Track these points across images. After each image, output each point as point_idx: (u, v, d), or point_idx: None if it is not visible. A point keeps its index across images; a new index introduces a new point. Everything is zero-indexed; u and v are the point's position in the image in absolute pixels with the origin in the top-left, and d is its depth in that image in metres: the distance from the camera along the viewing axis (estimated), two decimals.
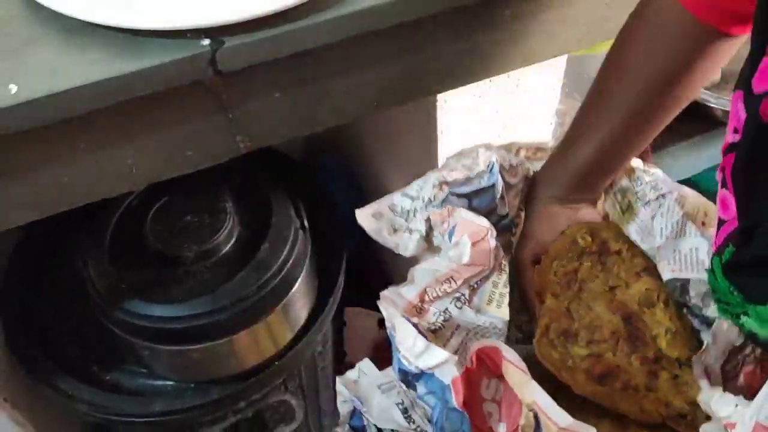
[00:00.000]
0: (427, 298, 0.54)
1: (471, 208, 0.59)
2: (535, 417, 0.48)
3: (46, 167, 0.55)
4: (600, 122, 0.58)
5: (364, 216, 0.61)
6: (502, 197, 0.61)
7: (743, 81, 0.42)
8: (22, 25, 0.54)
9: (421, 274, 0.55)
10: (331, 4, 0.55)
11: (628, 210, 0.63)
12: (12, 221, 0.57)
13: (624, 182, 0.63)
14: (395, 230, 0.61)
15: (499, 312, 0.55)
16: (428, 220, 0.59)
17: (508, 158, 0.62)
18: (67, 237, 0.87)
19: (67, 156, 0.55)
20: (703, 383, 0.50)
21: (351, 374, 0.55)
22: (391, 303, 0.53)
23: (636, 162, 0.64)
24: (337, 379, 0.55)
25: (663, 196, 0.61)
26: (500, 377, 0.50)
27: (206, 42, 0.52)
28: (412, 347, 0.50)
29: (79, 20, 0.53)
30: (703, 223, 0.59)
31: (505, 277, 0.56)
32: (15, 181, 0.54)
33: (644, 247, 0.61)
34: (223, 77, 0.54)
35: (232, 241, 0.81)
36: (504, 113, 0.78)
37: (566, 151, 0.61)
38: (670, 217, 0.60)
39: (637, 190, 0.63)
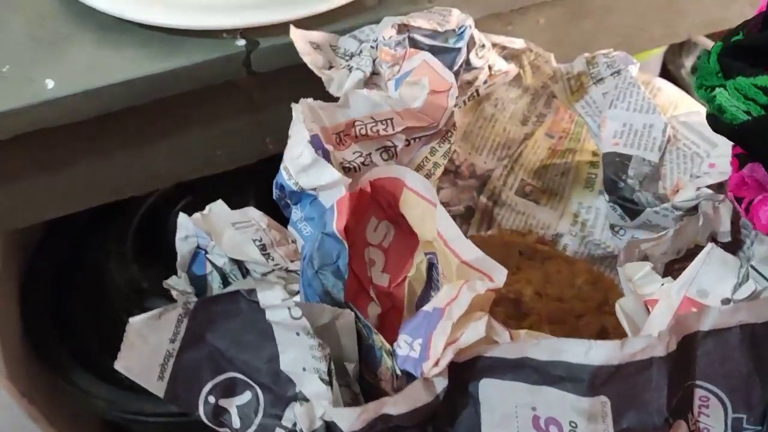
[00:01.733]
0: (353, 132, 0.44)
1: None
2: (429, 269, 0.41)
3: (78, 163, 0.55)
4: None
5: (300, 36, 0.49)
6: (457, 72, 0.50)
7: None
8: (59, 20, 0.54)
9: (358, 102, 0.44)
10: (364, 9, 0.55)
11: (578, 90, 0.56)
12: (43, 215, 0.57)
13: (580, 66, 0.56)
14: (331, 68, 0.50)
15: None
16: (376, 60, 0.48)
17: (481, 37, 0.52)
18: (91, 233, 0.87)
19: (100, 152, 0.55)
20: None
21: (198, 213, 0.46)
22: (309, 113, 0.43)
23: (603, 51, 0.56)
24: (180, 214, 0.46)
25: (618, 72, 0.53)
26: (393, 221, 0.43)
27: (242, 42, 0.52)
28: (297, 158, 0.40)
29: (115, 17, 0.53)
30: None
31: (446, 147, 0.47)
32: (48, 176, 0.54)
33: (588, 120, 0.54)
34: (255, 78, 0.54)
35: None
36: None
37: None
38: (626, 90, 0.52)
39: (592, 71, 0.55)
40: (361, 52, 0.50)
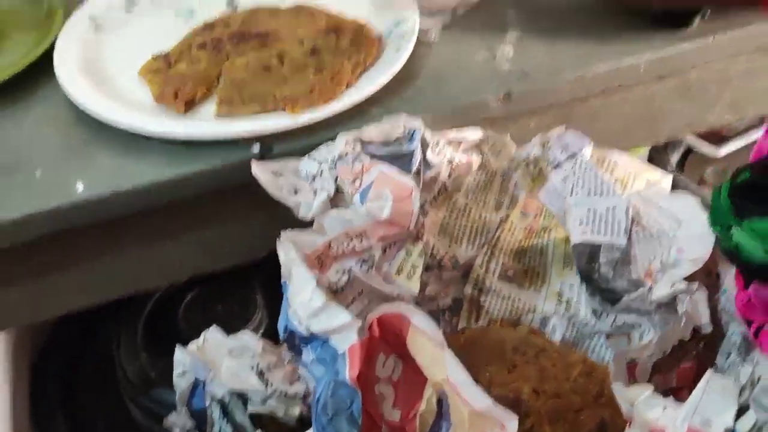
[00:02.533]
0: (332, 252, 0.46)
1: None
2: (439, 402, 0.41)
3: (101, 258, 0.58)
4: None
5: (261, 169, 0.53)
6: (417, 172, 0.53)
7: None
8: (87, 129, 0.59)
9: (331, 224, 0.47)
10: (367, 114, 0.59)
11: (539, 177, 0.58)
12: (65, 307, 0.60)
13: (536, 151, 0.58)
14: (296, 192, 0.53)
15: (409, 283, 0.49)
16: (337, 178, 0.52)
17: (435, 136, 0.55)
18: (101, 322, 0.89)
19: (121, 248, 0.59)
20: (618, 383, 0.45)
21: (194, 343, 0.47)
22: (293, 247, 0.45)
23: (556, 131, 0.59)
24: (177, 348, 0.47)
25: (573, 155, 0.56)
26: (400, 354, 0.43)
27: (257, 148, 0.57)
28: (307, 303, 0.41)
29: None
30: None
31: (420, 247, 0.50)
32: (72, 270, 0.58)
33: (553, 209, 0.55)
34: None
35: (261, 332, 0.83)
36: None
37: None
38: (584, 175, 0.54)
39: (548, 156, 0.58)
40: (322, 173, 0.53)
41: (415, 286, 0.49)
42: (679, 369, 0.49)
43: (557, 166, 0.57)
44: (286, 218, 0.62)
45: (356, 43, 0.63)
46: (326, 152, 0.54)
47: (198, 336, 0.82)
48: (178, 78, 0.60)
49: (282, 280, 0.44)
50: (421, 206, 0.53)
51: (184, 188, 0.56)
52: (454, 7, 0.70)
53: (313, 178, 0.52)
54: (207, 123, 0.58)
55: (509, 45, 0.66)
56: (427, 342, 0.41)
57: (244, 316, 0.84)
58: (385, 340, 0.43)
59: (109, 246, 0.58)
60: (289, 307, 0.42)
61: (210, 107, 0.60)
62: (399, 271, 0.50)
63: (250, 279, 0.88)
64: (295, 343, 0.42)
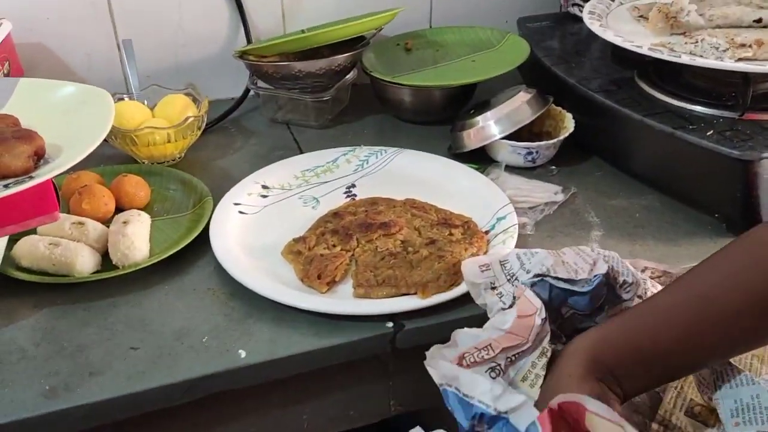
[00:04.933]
0: (465, 362, 0.55)
1: (568, 303, 0.61)
2: None
3: (240, 419, 0.65)
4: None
5: (469, 262, 0.64)
6: (600, 307, 0.61)
7: None
8: (242, 300, 0.68)
9: (463, 339, 0.57)
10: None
11: None
12: None
13: None
14: (493, 287, 0.62)
15: (531, 391, 0.56)
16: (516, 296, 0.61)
17: (626, 273, 0.62)
18: None
19: (261, 411, 0.66)
20: None
21: None
22: (440, 359, 0.55)
23: None
24: None
25: None
26: None
27: (390, 325, 0.65)
28: (489, 391, 0.52)
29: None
30: None
31: (544, 361, 0.57)
32: (221, 426, 0.65)
33: None
34: (395, 352, 0.66)
35: None
36: None
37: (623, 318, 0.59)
38: None
39: None
40: (515, 279, 0.62)
41: (536, 394, 0.56)
42: None
43: None
44: (405, 387, 0.70)
45: (468, 235, 0.74)
46: (530, 255, 0.63)
47: None
48: (317, 260, 0.71)
49: (442, 388, 0.54)
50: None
51: (329, 358, 0.64)
52: (542, 206, 0.82)
53: (512, 276, 0.62)
54: (347, 301, 0.67)
55: (595, 243, 0.77)
56: (604, 422, 0.50)
57: None
58: (566, 422, 0.51)
59: (252, 407, 0.65)
60: (473, 398, 0.53)
61: (347, 286, 0.69)
62: (524, 379, 0.57)
63: None
64: (483, 426, 0.52)
